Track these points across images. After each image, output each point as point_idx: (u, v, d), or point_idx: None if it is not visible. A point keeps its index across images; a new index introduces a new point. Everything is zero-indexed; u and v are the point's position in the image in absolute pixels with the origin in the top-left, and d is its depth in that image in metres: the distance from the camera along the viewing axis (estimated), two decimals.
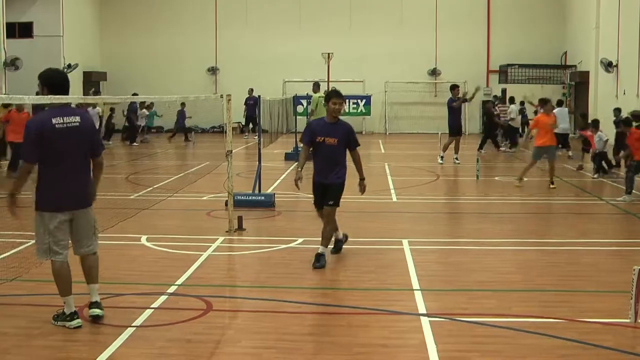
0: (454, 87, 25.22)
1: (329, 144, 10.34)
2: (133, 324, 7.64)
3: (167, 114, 35.73)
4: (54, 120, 7.42)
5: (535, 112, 25.56)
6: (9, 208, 7.57)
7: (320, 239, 10.42)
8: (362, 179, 10.64)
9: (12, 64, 32.36)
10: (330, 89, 36.68)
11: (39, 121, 7.50)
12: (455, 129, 24.74)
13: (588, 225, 14.15)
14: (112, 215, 14.42)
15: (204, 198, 16.78)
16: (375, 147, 33.16)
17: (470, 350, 6.99)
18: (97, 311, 7.77)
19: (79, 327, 7.54)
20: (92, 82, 39.99)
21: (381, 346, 7.10)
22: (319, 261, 10.18)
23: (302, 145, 10.72)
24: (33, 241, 8.48)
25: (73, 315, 7.58)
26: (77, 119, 7.60)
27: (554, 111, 26.42)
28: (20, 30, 36.80)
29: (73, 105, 8.34)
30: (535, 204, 16.43)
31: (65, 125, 7.48)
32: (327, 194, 10.39)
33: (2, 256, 10.56)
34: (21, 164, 7.65)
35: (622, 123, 20.54)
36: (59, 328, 7.52)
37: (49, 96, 7.51)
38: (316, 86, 25.98)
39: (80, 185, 7.72)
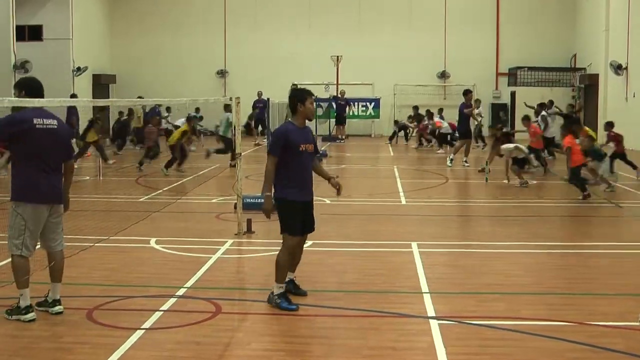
0: (467, 92, 25.26)
1: (310, 152, 8.55)
2: (142, 327, 7.65)
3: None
4: (35, 120, 7.82)
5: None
6: None
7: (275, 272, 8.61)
8: (333, 177, 8.91)
9: (22, 67, 32.49)
10: (339, 92, 36.95)
11: (22, 118, 7.86)
12: (465, 133, 24.83)
13: (597, 228, 14.13)
14: (122, 217, 14.47)
15: (213, 201, 16.81)
16: (384, 150, 33.15)
17: (479, 353, 6.98)
18: (61, 308, 8.05)
19: (33, 320, 7.76)
20: (102, 84, 40.13)
21: (390, 349, 7.10)
22: (291, 303, 8.40)
23: (271, 157, 8.40)
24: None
25: (28, 309, 7.82)
26: (55, 122, 8.05)
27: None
28: (30, 33, 36.93)
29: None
30: (543, 207, 16.41)
31: (44, 126, 7.88)
32: (310, 216, 8.73)
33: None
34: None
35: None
36: (67, 330, 7.54)
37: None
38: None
39: (57, 182, 8.06)
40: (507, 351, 7.02)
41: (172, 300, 8.69)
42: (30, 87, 8.12)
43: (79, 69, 37.11)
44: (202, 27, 42.14)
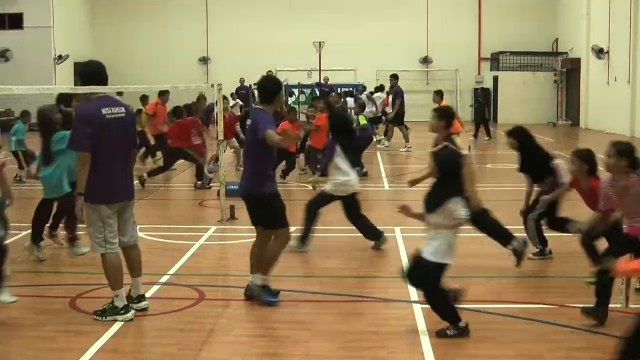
0: (392, 77, 25.85)
1: None
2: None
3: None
4: (103, 111, 7.37)
5: None
6: (78, 209, 7.40)
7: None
8: None
9: (2, 55, 32.29)
10: (323, 78, 36.80)
11: (89, 112, 7.43)
12: (401, 118, 25.30)
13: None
14: None
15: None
16: None
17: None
18: (147, 303, 7.81)
19: (132, 319, 7.48)
20: None
21: (373, 333, 7.12)
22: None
23: None
24: (24, 233, 8.50)
25: (127, 308, 7.51)
26: (123, 109, 7.57)
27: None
28: (9, 21, 36.67)
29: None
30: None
31: (113, 116, 7.42)
32: None
33: None
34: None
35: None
36: (50, 318, 7.51)
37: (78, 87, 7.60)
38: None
39: (129, 177, 7.76)
40: (490, 334, 7.06)
41: (156, 288, 8.69)
42: (86, 72, 7.68)
43: (60, 57, 36.88)
44: (184, 14, 41.95)
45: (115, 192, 7.48)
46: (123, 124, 7.51)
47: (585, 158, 8.88)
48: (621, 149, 7.53)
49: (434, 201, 6.95)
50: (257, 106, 8.28)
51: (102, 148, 7.28)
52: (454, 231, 6.98)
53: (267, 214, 7.98)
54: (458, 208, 6.82)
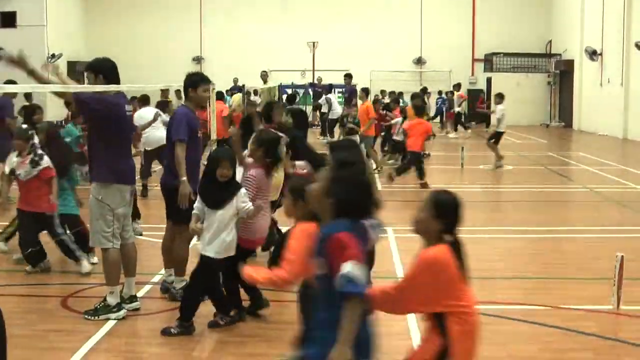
0: (348, 76, 26.03)
1: None
2: None
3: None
4: (126, 108, 7.72)
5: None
6: None
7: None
8: None
9: None
10: (317, 78, 36.81)
11: (117, 103, 7.58)
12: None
13: (572, 213, 14.22)
14: None
15: None
16: None
17: None
18: (138, 304, 7.82)
19: (124, 318, 7.49)
20: (77, 72, 39.79)
21: None
22: None
23: None
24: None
25: (120, 306, 7.51)
26: (130, 107, 7.97)
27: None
28: (3, 19, 36.59)
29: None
30: (519, 192, 16.48)
31: (129, 113, 7.83)
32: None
33: None
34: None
35: None
36: (41, 317, 7.50)
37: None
38: (265, 76, 25.95)
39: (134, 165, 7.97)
40: (482, 335, 6.98)
41: (148, 287, 8.68)
42: (109, 70, 7.88)
43: (53, 55, 36.78)
44: (178, 13, 41.87)
45: (129, 175, 7.71)
46: (132, 121, 8.30)
47: None
48: (260, 140, 7.66)
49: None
50: (182, 103, 8.53)
51: (121, 138, 7.59)
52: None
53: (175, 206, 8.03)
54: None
